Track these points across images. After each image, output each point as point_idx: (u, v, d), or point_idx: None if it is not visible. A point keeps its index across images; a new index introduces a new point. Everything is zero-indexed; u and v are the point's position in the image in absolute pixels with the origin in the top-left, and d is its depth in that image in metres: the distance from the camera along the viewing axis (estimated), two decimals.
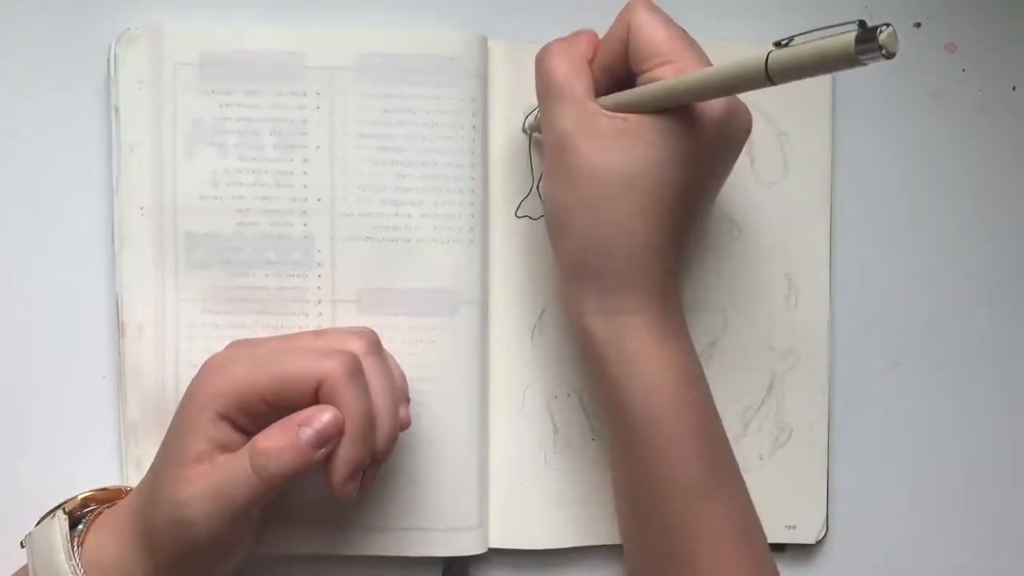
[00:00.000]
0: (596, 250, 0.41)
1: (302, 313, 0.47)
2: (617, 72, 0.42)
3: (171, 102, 0.46)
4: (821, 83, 0.49)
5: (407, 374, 0.45)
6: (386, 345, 0.44)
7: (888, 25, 0.30)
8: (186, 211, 0.46)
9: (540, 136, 0.47)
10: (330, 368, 0.39)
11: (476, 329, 0.47)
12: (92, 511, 0.43)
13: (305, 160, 0.46)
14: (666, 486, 0.41)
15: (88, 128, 0.47)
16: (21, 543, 0.41)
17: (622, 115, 0.40)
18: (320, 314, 0.47)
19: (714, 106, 0.40)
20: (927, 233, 0.51)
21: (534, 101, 0.48)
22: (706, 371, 0.43)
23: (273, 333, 0.45)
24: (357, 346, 0.41)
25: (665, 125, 0.40)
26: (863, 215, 0.50)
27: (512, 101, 0.48)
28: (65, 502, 0.42)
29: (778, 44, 0.34)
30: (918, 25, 0.50)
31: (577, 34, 0.44)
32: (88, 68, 0.47)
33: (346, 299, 0.47)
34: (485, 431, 0.48)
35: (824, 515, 0.50)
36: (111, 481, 0.46)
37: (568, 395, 0.49)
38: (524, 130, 0.48)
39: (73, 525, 0.41)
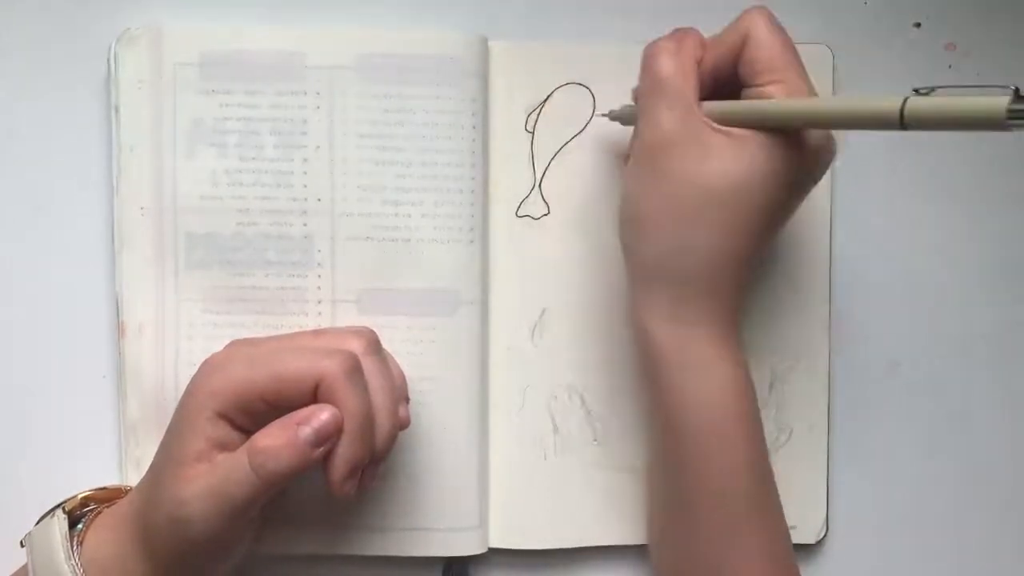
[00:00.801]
0: (675, 258, 0.41)
1: (302, 313, 0.47)
2: (723, 77, 0.42)
3: (171, 102, 0.46)
4: (821, 82, 0.49)
5: (407, 374, 0.45)
6: (386, 345, 0.44)
7: None
8: (186, 211, 0.46)
9: (622, 125, 0.46)
10: (329, 367, 0.39)
11: (476, 329, 0.47)
12: (92, 510, 0.43)
13: (305, 160, 0.46)
14: (718, 495, 0.41)
15: (88, 128, 0.47)
16: (21, 542, 0.41)
17: (727, 128, 0.40)
18: (320, 314, 0.47)
19: (818, 135, 0.40)
20: (927, 233, 0.51)
21: (534, 101, 0.48)
22: None
23: (273, 333, 0.45)
24: (356, 345, 0.41)
25: (770, 145, 0.39)
26: (863, 215, 0.50)
27: (512, 101, 0.48)
28: (64, 501, 0.42)
29: (917, 91, 0.33)
30: (918, 25, 0.50)
31: (685, 33, 0.43)
32: (88, 68, 0.47)
33: (346, 299, 0.47)
34: (485, 431, 0.48)
35: (824, 515, 0.50)
36: (111, 481, 0.46)
37: (568, 395, 0.49)
38: (606, 114, 0.47)
39: (73, 524, 0.41)
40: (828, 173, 0.49)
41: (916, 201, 0.51)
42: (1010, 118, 0.30)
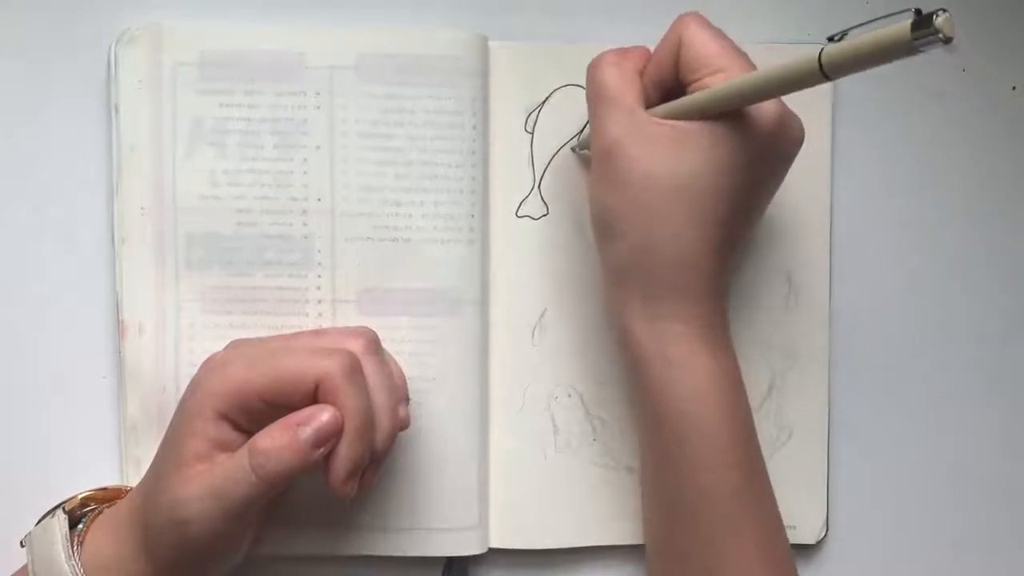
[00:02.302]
0: (644, 256, 0.41)
1: (302, 313, 0.47)
2: (667, 86, 0.42)
3: (171, 102, 0.46)
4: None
5: (407, 374, 0.45)
6: (386, 345, 0.44)
7: (944, 10, 0.29)
8: (186, 211, 0.46)
9: (589, 153, 0.47)
10: (329, 367, 0.39)
11: (476, 329, 0.47)
12: (92, 511, 0.43)
13: (305, 160, 0.46)
14: (707, 493, 0.41)
15: (88, 128, 0.47)
16: (21, 542, 0.41)
17: (672, 122, 0.40)
18: (320, 314, 0.47)
19: (766, 114, 0.40)
20: (927, 233, 0.51)
21: (534, 101, 0.48)
22: None
23: (273, 333, 0.45)
24: (356, 345, 0.41)
25: (716, 132, 0.39)
26: (863, 215, 0.50)
27: (512, 101, 0.48)
28: (65, 501, 0.42)
29: (831, 39, 0.33)
30: None
31: (629, 47, 0.44)
32: (88, 68, 0.47)
33: (346, 299, 0.47)
34: (485, 431, 0.48)
35: (824, 515, 0.50)
36: (111, 481, 0.46)
37: (568, 395, 0.49)
38: (573, 149, 0.48)
39: (73, 525, 0.41)
40: (827, 172, 0.49)
41: (916, 201, 0.51)
42: (915, 39, 0.30)
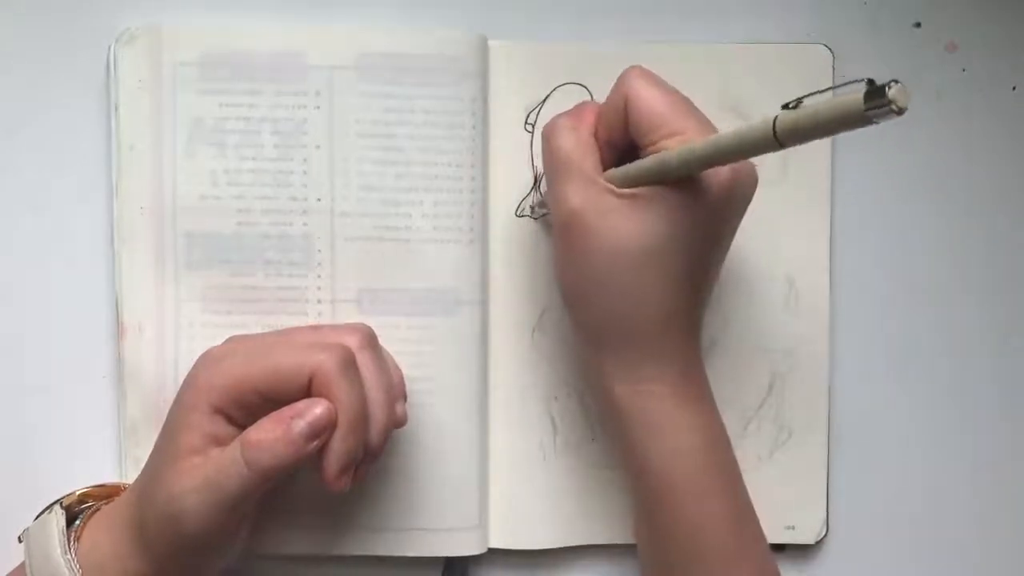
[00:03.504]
0: (614, 324, 0.41)
1: (302, 313, 0.47)
2: (618, 142, 0.42)
3: (171, 102, 0.46)
4: (820, 83, 0.49)
5: (407, 374, 0.45)
6: (385, 345, 0.44)
7: (896, 81, 0.29)
8: (186, 211, 0.46)
9: (548, 213, 0.47)
10: (323, 361, 0.39)
11: (476, 329, 0.47)
12: (89, 507, 0.43)
13: (305, 160, 0.47)
14: (695, 550, 0.41)
15: (88, 128, 0.47)
16: (19, 538, 0.42)
17: (630, 191, 0.40)
18: (320, 314, 0.47)
19: (720, 171, 0.39)
20: (927, 233, 0.51)
21: (534, 100, 0.48)
22: (706, 371, 0.43)
23: None
24: (352, 340, 0.41)
25: (674, 197, 0.39)
26: (863, 215, 0.50)
27: (512, 101, 0.48)
28: (62, 497, 0.42)
29: (786, 106, 0.33)
30: (918, 25, 0.50)
31: (582, 107, 0.43)
32: (88, 68, 0.47)
33: (346, 299, 0.47)
34: (485, 431, 0.48)
35: (824, 515, 0.50)
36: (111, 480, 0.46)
37: (568, 395, 0.49)
38: (530, 213, 0.48)
39: (72, 521, 0.41)
40: (828, 173, 0.49)
41: (916, 201, 0.51)
42: (867, 110, 0.30)
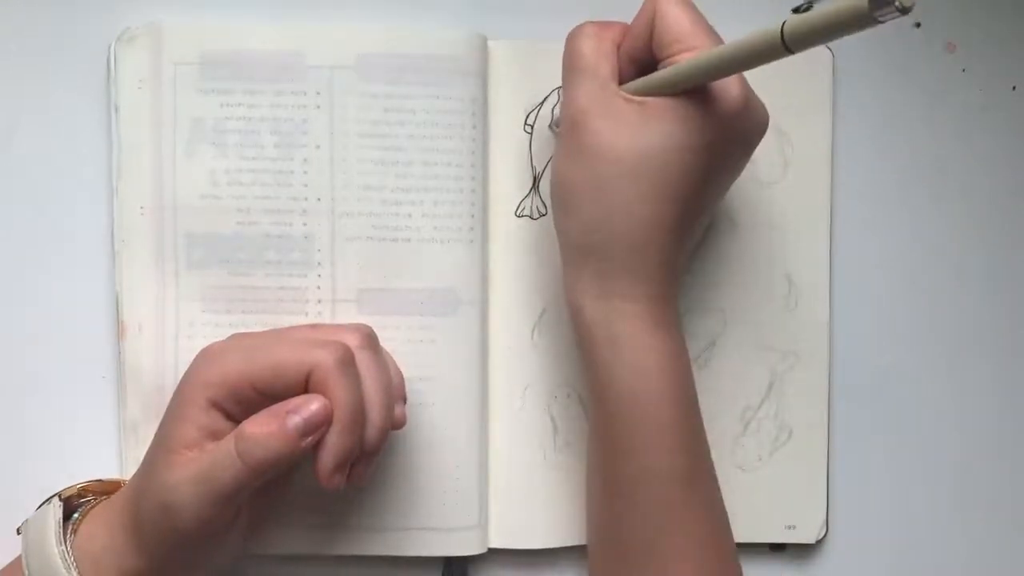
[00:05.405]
0: (598, 231, 0.41)
1: (302, 313, 0.47)
2: (642, 61, 0.42)
3: (171, 102, 0.46)
4: (821, 82, 0.49)
5: (406, 374, 0.45)
6: (386, 345, 0.44)
7: None
8: (186, 211, 0.46)
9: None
10: (321, 358, 0.39)
11: (476, 329, 0.47)
12: (88, 502, 0.43)
13: (305, 160, 0.47)
14: (647, 473, 0.41)
15: (88, 128, 0.47)
16: (17, 530, 0.42)
17: (640, 98, 0.40)
18: (320, 314, 0.47)
19: (731, 97, 0.40)
20: (927, 233, 0.51)
21: (534, 100, 0.48)
22: (706, 371, 0.43)
23: None
24: (351, 339, 0.41)
25: (681, 110, 0.40)
26: (863, 215, 0.50)
27: (512, 101, 0.48)
28: (63, 490, 0.43)
29: (796, 10, 0.33)
30: (918, 25, 0.50)
31: (611, 21, 0.44)
32: (88, 68, 0.47)
33: (346, 299, 0.47)
34: (485, 431, 0.48)
35: (824, 515, 0.50)
36: None
37: (568, 395, 0.49)
38: (551, 127, 0.48)
39: (71, 515, 0.42)
40: (828, 173, 0.49)
41: (916, 201, 0.51)
42: (873, 10, 0.30)
